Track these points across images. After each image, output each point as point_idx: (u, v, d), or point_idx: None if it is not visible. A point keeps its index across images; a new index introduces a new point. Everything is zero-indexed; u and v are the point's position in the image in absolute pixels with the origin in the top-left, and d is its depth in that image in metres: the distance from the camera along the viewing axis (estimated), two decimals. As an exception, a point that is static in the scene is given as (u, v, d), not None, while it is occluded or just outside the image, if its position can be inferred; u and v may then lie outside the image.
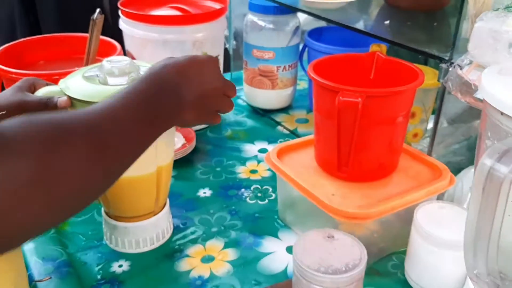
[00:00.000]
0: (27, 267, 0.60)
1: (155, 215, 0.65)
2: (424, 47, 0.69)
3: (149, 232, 0.65)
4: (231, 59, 1.15)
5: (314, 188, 0.61)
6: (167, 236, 0.68)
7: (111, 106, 0.42)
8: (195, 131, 0.96)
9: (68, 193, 0.36)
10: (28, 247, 0.64)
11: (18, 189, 0.32)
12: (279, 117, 1.03)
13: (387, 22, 0.82)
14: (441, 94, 0.65)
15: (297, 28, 1.00)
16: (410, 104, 0.64)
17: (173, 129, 0.67)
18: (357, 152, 0.60)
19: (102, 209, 0.65)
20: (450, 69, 0.62)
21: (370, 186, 0.64)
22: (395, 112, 0.61)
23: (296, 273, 0.50)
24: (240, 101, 1.11)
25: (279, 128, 1.00)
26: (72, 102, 0.55)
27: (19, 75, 0.77)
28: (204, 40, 0.90)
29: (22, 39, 0.92)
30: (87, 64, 0.83)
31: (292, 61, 1.01)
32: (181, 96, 0.48)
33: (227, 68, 1.17)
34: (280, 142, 0.94)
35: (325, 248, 0.51)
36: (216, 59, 0.53)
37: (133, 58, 0.92)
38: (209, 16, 0.89)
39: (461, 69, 0.62)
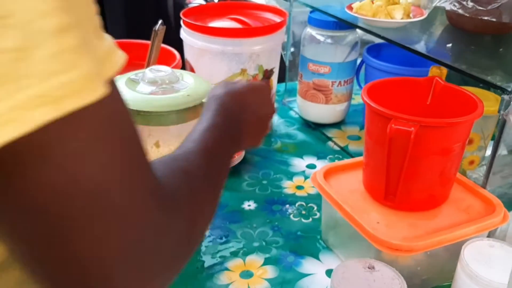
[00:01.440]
0: None
1: None
2: (486, 74, 0.66)
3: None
4: (286, 70, 1.15)
5: (359, 213, 0.61)
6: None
7: (207, 146, 0.42)
8: (246, 141, 0.97)
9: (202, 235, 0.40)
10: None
11: (175, 248, 0.32)
12: (331, 132, 1.02)
13: (449, 45, 0.79)
14: (501, 126, 0.62)
15: (356, 43, 0.98)
16: (467, 135, 0.61)
17: None
18: (406, 181, 0.59)
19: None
20: (510, 101, 0.59)
21: (418, 216, 0.62)
22: (449, 143, 0.59)
23: (332, 302, 0.50)
24: (292, 113, 1.11)
25: (330, 143, 0.99)
26: None
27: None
28: (261, 52, 0.90)
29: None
30: (146, 71, 0.86)
31: (348, 77, 1.00)
32: (242, 126, 0.50)
33: (282, 79, 1.18)
34: (330, 158, 0.93)
35: (365, 279, 0.51)
36: (268, 85, 0.55)
37: (191, 66, 0.94)
38: (268, 29, 0.90)
39: (523, 103, 0.59)
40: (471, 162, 0.84)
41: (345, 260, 0.54)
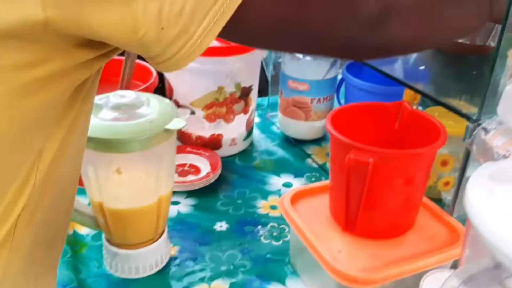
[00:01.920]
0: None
1: (154, 241, 0.67)
2: (456, 98, 0.66)
3: (149, 258, 0.67)
4: (269, 85, 1.15)
5: (321, 241, 0.60)
6: (165, 261, 0.70)
7: None
8: (226, 157, 0.97)
9: None
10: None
11: None
12: (311, 149, 1.02)
13: (422, 67, 0.79)
14: (465, 156, 0.61)
15: (335, 61, 0.98)
16: (429, 164, 0.61)
17: (174, 160, 0.68)
18: (367, 210, 0.59)
19: (103, 236, 0.67)
20: (475, 131, 0.59)
21: (381, 245, 0.62)
22: (411, 173, 0.59)
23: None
24: (274, 128, 1.11)
25: (309, 160, 0.99)
26: None
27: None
28: (238, 71, 0.90)
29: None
30: (121, 88, 0.86)
31: (327, 94, 1.00)
32: None
33: (265, 92, 1.18)
34: (307, 176, 0.93)
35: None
36: None
37: (169, 84, 0.94)
38: (245, 48, 0.90)
39: (486, 133, 0.58)
40: (446, 184, 0.84)
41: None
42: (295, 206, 0.68)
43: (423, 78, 0.79)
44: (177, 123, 0.60)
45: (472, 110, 0.63)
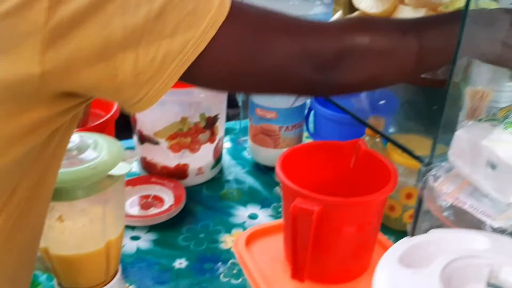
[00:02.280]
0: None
1: (106, 284, 0.66)
2: (417, 129, 0.65)
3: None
4: (241, 109, 1.14)
5: (271, 287, 0.59)
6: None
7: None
8: (192, 186, 0.96)
9: None
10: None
11: None
12: (280, 177, 1.01)
13: (382, 102, 0.77)
14: (418, 202, 0.60)
15: (303, 88, 0.97)
16: (380, 210, 0.60)
17: (122, 203, 0.67)
18: (315, 259, 0.57)
19: (54, 281, 0.66)
20: (425, 177, 0.58)
21: (333, 290, 0.60)
22: (360, 220, 0.58)
23: None
24: (245, 153, 1.09)
25: (277, 189, 0.97)
26: None
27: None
28: (203, 101, 0.89)
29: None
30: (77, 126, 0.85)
31: (296, 121, 0.99)
32: None
33: (236, 117, 1.17)
34: (274, 207, 0.92)
35: None
36: None
37: (133, 115, 0.93)
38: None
39: (436, 179, 0.57)
40: (412, 216, 0.83)
41: None
42: (251, 247, 0.67)
43: (385, 111, 0.78)
44: (121, 169, 0.59)
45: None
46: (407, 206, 0.83)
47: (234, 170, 1.03)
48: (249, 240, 0.67)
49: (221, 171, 1.02)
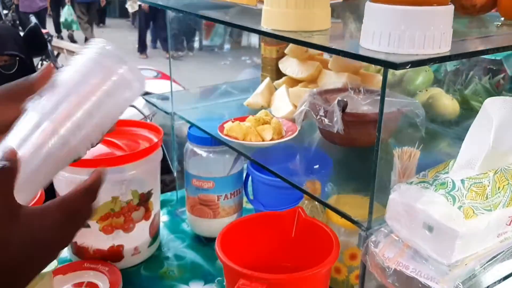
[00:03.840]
0: None
1: None
2: (353, 189, 0.65)
3: None
4: (176, 179, 1.11)
5: None
6: None
7: None
8: (129, 268, 0.90)
9: None
10: None
11: None
12: (222, 248, 0.97)
13: (316, 166, 0.78)
14: (362, 270, 0.59)
15: (238, 156, 0.96)
16: (326, 279, 0.58)
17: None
18: None
19: None
20: (365, 243, 0.57)
21: None
22: (306, 293, 0.56)
23: None
24: (184, 226, 1.05)
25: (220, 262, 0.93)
26: None
27: None
28: (134, 178, 0.85)
29: None
30: None
31: (234, 189, 0.97)
32: None
33: (173, 188, 1.13)
34: (218, 281, 0.88)
35: None
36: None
37: (59, 195, 0.87)
38: (142, 153, 0.86)
39: (376, 244, 0.57)
40: (358, 277, 0.82)
41: None
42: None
43: (320, 174, 0.78)
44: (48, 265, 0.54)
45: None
46: (352, 267, 0.82)
47: (173, 245, 0.99)
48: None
49: (159, 248, 0.97)
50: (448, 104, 0.94)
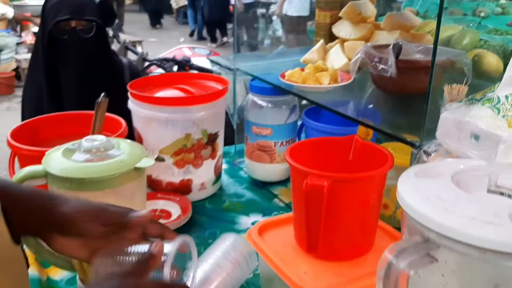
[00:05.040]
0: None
1: None
2: (401, 132, 0.73)
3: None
4: (235, 133, 1.21)
5: (288, 265, 0.64)
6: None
7: None
8: (196, 201, 1.00)
9: None
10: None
11: None
12: (277, 190, 1.07)
13: (370, 106, 0.86)
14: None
15: (294, 106, 1.06)
16: (381, 187, 0.67)
17: (144, 198, 0.72)
18: (326, 233, 0.63)
19: (77, 278, 0.69)
20: (418, 155, 0.66)
21: (344, 265, 0.66)
22: (364, 195, 0.64)
23: None
24: (242, 173, 1.16)
25: (276, 200, 1.03)
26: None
27: (30, 152, 0.84)
28: (204, 118, 0.96)
29: (36, 117, 1.01)
30: (93, 134, 0.90)
31: (290, 137, 1.06)
32: None
33: (231, 141, 1.24)
34: (275, 214, 0.97)
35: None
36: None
37: (139, 134, 0.99)
38: (209, 97, 0.96)
39: (428, 155, 0.65)
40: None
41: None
42: (263, 236, 0.72)
43: (373, 115, 0.87)
44: (146, 162, 0.65)
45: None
46: (399, 204, 0.90)
47: (233, 187, 1.09)
48: (261, 231, 0.73)
49: (221, 188, 1.08)
50: (493, 61, 1.01)
